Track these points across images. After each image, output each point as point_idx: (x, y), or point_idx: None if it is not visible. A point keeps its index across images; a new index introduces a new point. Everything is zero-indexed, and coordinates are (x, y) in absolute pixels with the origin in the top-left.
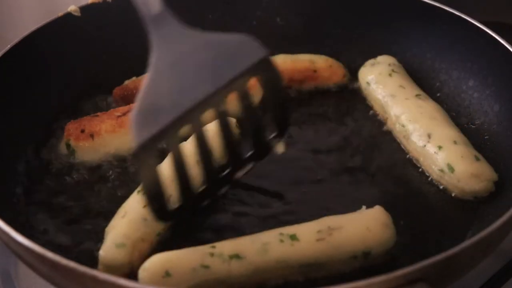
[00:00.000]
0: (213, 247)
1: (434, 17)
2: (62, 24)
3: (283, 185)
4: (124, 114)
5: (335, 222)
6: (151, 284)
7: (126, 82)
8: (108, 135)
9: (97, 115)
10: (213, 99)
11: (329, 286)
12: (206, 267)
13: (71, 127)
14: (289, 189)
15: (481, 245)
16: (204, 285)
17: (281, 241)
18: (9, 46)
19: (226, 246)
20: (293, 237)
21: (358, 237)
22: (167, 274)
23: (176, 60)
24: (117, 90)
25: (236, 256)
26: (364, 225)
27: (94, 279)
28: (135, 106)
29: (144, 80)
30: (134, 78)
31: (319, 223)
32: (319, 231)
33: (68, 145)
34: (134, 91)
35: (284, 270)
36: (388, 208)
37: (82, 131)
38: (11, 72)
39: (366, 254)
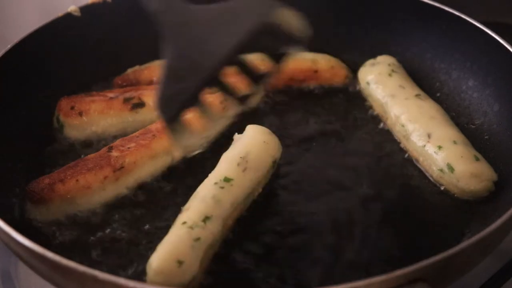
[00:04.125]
0: (185, 222)
1: (434, 17)
2: (62, 24)
3: (284, 183)
4: (117, 96)
5: (241, 151)
6: (162, 284)
7: (128, 70)
8: (97, 115)
9: (91, 94)
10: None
11: (330, 286)
12: (198, 239)
13: (63, 103)
14: (289, 188)
15: (480, 245)
16: (206, 256)
17: (222, 187)
18: (9, 46)
19: (192, 217)
20: (226, 180)
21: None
22: (179, 262)
23: (189, 37)
24: (117, 80)
25: (206, 218)
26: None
27: (94, 279)
28: (157, 91)
29: (162, 65)
30: (136, 67)
31: (232, 161)
32: (238, 164)
33: (57, 120)
34: (134, 82)
35: (240, 204)
36: (388, 208)
37: (72, 107)
38: (11, 72)
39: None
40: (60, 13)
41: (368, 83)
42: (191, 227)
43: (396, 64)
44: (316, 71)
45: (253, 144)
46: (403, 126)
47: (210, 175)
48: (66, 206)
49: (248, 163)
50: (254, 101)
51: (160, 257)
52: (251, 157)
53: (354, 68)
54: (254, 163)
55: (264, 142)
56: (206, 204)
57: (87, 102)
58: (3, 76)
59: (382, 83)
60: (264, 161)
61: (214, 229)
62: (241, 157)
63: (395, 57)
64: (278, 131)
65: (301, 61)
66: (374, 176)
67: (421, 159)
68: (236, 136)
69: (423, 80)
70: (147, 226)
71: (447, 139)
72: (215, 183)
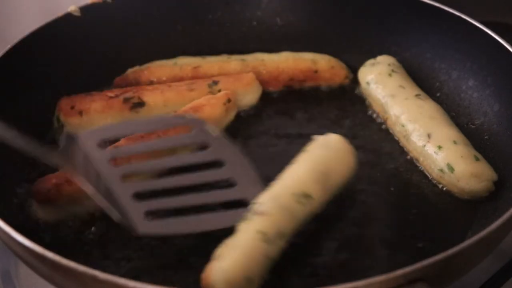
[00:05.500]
0: (261, 232)
1: (434, 17)
2: (62, 24)
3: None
4: (117, 96)
5: (323, 166)
6: None
7: (129, 70)
8: (97, 114)
9: (91, 94)
10: None
11: (329, 286)
12: (269, 257)
13: (63, 103)
14: None
15: (481, 245)
16: (264, 269)
17: (300, 203)
18: (9, 46)
19: (269, 230)
20: (306, 196)
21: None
22: (247, 279)
23: None
24: (117, 80)
25: (282, 235)
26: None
27: (94, 279)
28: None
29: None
30: (136, 67)
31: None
32: (319, 181)
33: (58, 119)
34: (134, 82)
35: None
36: (387, 207)
37: (72, 107)
38: (11, 72)
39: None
40: (60, 13)
41: (368, 83)
42: (267, 242)
43: (396, 64)
44: (316, 71)
45: (338, 164)
46: (403, 126)
47: (286, 175)
48: (71, 206)
49: (328, 182)
50: (252, 101)
51: (232, 269)
52: (332, 177)
53: (354, 68)
54: (333, 185)
55: (349, 167)
56: (284, 218)
57: (87, 102)
58: (3, 76)
59: (382, 83)
60: (340, 185)
61: (282, 245)
62: (323, 174)
63: (395, 57)
64: (278, 131)
65: (301, 61)
66: (374, 175)
67: (421, 159)
68: (318, 139)
69: (423, 80)
70: None
71: (447, 139)
72: (293, 193)
